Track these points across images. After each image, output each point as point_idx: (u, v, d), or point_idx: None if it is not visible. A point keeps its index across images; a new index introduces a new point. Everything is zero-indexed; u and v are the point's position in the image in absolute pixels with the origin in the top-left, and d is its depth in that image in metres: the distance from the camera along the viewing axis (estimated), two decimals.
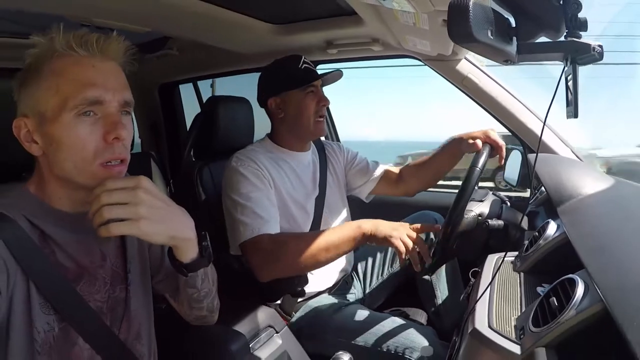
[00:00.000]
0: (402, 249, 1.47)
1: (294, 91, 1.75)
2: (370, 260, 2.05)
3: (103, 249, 1.04)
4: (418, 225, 1.53)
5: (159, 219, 0.88)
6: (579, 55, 0.84)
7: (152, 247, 1.18)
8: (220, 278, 1.21)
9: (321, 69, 2.40)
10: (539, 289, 1.11)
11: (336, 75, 1.85)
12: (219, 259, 1.54)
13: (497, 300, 1.08)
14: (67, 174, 0.91)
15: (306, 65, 1.77)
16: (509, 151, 1.96)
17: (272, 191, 1.66)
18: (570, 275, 0.88)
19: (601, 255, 0.89)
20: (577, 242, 0.99)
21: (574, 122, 0.91)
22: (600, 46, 0.82)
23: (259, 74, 1.89)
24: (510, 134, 1.99)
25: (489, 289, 1.12)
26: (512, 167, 2.02)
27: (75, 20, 1.61)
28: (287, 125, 1.80)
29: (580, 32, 0.83)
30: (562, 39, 0.85)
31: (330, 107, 2.10)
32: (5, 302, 0.84)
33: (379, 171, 2.01)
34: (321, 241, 1.50)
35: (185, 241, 0.97)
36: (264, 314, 1.55)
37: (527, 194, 2.11)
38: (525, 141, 1.95)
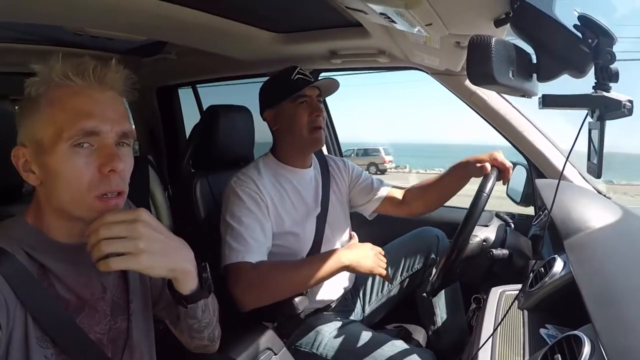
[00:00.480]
0: (382, 272, 1.63)
1: (286, 102, 1.72)
2: (370, 278, 2.02)
3: (103, 280, 1.02)
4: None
5: (159, 253, 0.87)
6: (608, 111, 0.79)
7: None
8: (219, 297, 1.19)
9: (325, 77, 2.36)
10: (543, 332, 1.09)
11: (332, 84, 1.81)
12: (214, 276, 1.52)
13: (500, 345, 1.06)
14: (64, 205, 0.89)
15: (300, 76, 1.73)
16: (513, 166, 1.94)
17: (267, 218, 1.64)
18: (576, 332, 0.85)
19: (608, 307, 0.86)
20: (583, 285, 0.96)
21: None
22: (631, 102, 0.78)
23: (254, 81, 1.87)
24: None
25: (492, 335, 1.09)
26: (516, 184, 1.99)
27: (71, 30, 1.56)
28: (284, 137, 1.78)
29: (611, 84, 0.79)
30: (591, 92, 0.80)
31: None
32: (5, 338, 0.82)
33: (383, 191, 1.98)
34: (302, 272, 1.53)
35: (184, 274, 0.95)
36: (262, 336, 1.51)
37: (530, 210, 2.07)
38: (531, 159, 1.93)
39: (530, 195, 1.95)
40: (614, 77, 0.77)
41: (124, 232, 0.83)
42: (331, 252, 1.57)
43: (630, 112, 0.77)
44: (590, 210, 1.37)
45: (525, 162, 1.97)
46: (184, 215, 1.98)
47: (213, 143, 1.95)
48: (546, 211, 1.70)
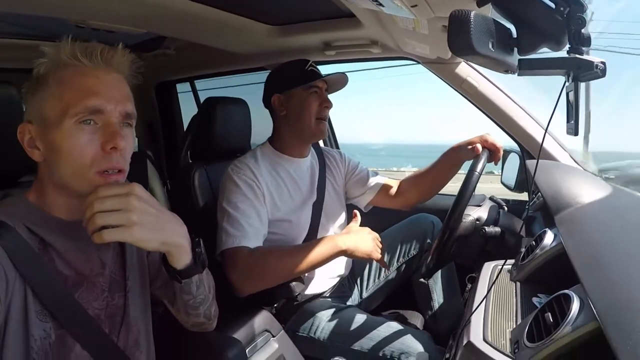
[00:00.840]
0: (378, 256, 1.64)
1: (298, 89, 1.76)
2: (367, 264, 2.05)
3: (102, 256, 1.04)
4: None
5: (151, 226, 0.89)
6: (581, 72, 0.82)
7: (151, 254, 1.19)
8: (219, 282, 1.21)
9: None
10: (535, 300, 1.11)
11: (341, 79, 1.85)
12: (213, 263, 1.54)
13: (493, 312, 1.08)
14: (65, 181, 0.92)
15: (312, 68, 1.78)
16: (506, 154, 1.97)
17: (263, 204, 1.66)
18: (565, 291, 0.88)
19: (597, 270, 0.89)
20: (573, 253, 0.99)
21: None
22: (603, 63, 0.81)
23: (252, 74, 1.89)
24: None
25: (484, 300, 1.12)
26: (510, 171, 2.02)
27: (71, 22, 1.59)
28: (289, 123, 1.80)
29: (583, 48, 0.82)
30: (565, 54, 0.84)
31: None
32: (3, 310, 0.84)
33: (378, 182, 2.01)
34: (299, 257, 1.53)
35: (177, 247, 0.97)
36: (260, 319, 1.55)
37: (524, 196, 2.10)
38: (524, 145, 1.95)
39: (523, 181, 1.96)
40: (586, 41, 0.81)
41: (117, 205, 0.85)
42: (328, 237, 1.58)
43: (603, 72, 0.80)
44: (580, 186, 1.40)
45: (519, 149, 1.99)
46: (183, 206, 2.01)
47: (211, 134, 1.97)
48: (539, 194, 1.73)
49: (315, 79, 1.75)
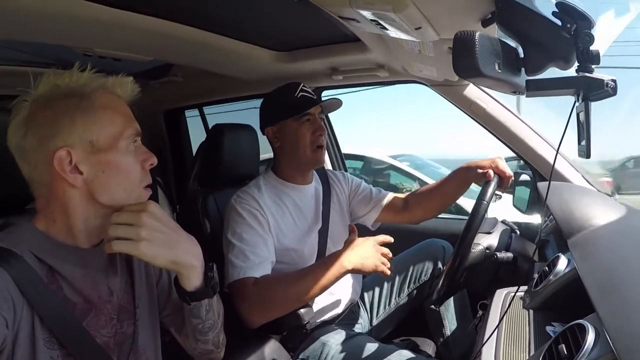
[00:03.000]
0: (386, 271, 1.50)
1: (289, 120, 1.73)
2: (377, 290, 2.01)
3: (110, 284, 1.04)
4: (382, 240, 1.54)
5: (160, 243, 0.92)
6: (591, 91, 0.80)
7: (161, 281, 1.19)
8: (227, 311, 1.21)
9: (327, 95, 2.39)
10: (549, 329, 1.08)
11: (334, 103, 1.82)
12: (222, 291, 1.52)
13: (505, 341, 1.06)
14: (116, 197, 0.97)
15: (303, 93, 1.75)
16: (517, 175, 1.93)
17: (268, 234, 1.64)
18: (580, 321, 0.85)
19: (612, 297, 0.86)
20: (587, 279, 0.96)
21: None
22: (614, 80, 0.79)
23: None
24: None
25: (496, 330, 1.08)
26: (521, 193, 1.99)
27: (79, 50, 1.61)
28: (285, 154, 1.78)
29: (593, 66, 0.80)
30: (574, 73, 0.82)
31: None
32: (11, 338, 0.84)
33: (383, 199, 1.97)
34: (306, 282, 1.49)
35: (188, 268, 0.99)
36: (268, 348, 1.52)
37: (536, 218, 2.06)
38: (535, 166, 1.93)
39: (535, 204, 1.94)
40: (595, 58, 0.79)
41: (129, 219, 0.91)
42: (333, 257, 1.52)
43: (614, 91, 0.78)
44: (593, 208, 1.37)
45: (530, 171, 1.96)
46: (192, 233, 2.00)
47: (219, 161, 1.97)
48: (551, 216, 1.70)
49: (306, 109, 1.72)
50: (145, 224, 0.90)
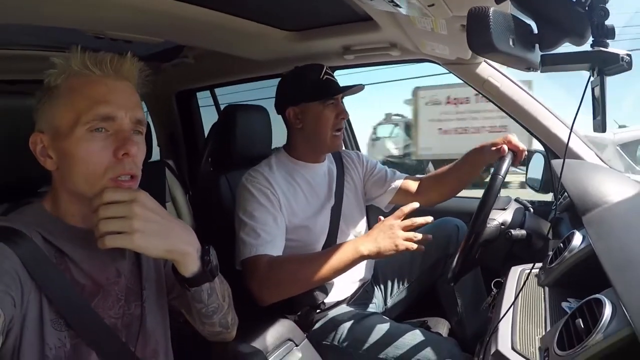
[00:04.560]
0: (412, 246, 1.42)
1: (314, 103, 1.72)
2: (390, 269, 2.02)
3: (118, 265, 1.05)
4: (402, 213, 1.46)
5: (154, 233, 0.90)
6: (606, 65, 0.80)
7: (167, 263, 1.18)
8: (240, 292, 1.21)
9: (339, 74, 2.38)
10: (564, 305, 1.08)
11: (357, 89, 1.82)
12: (236, 271, 1.53)
13: (521, 318, 1.06)
14: (79, 188, 0.94)
15: (327, 76, 1.74)
16: (531, 154, 1.93)
17: (279, 212, 1.65)
18: (597, 296, 0.85)
19: (629, 272, 0.86)
20: (603, 256, 0.95)
21: None
22: (629, 55, 0.78)
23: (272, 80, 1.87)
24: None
25: (512, 307, 1.09)
26: (535, 171, 1.98)
27: (90, 33, 1.61)
28: (305, 136, 1.78)
29: (608, 40, 0.79)
30: (588, 47, 0.81)
31: None
32: (19, 318, 0.85)
33: (398, 181, 1.97)
34: (319, 265, 1.48)
35: (183, 255, 0.97)
36: (283, 327, 1.53)
37: (550, 197, 2.05)
38: (548, 144, 1.90)
39: (549, 182, 1.92)
40: (610, 32, 0.78)
41: (120, 212, 0.87)
42: (349, 242, 1.52)
43: (629, 65, 0.78)
44: (607, 185, 1.36)
45: (543, 149, 1.95)
46: (206, 215, 2.01)
47: (231, 142, 1.97)
48: (565, 194, 1.69)
49: (334, 94, 1.72)
50: (137, 215, 0.87)
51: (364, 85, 1.82)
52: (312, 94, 1.72)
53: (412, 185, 1.96)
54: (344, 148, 2.47)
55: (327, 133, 1.74)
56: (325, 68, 1.76)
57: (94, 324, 0.96)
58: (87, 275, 0.97)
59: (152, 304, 1.10)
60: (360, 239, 1.50)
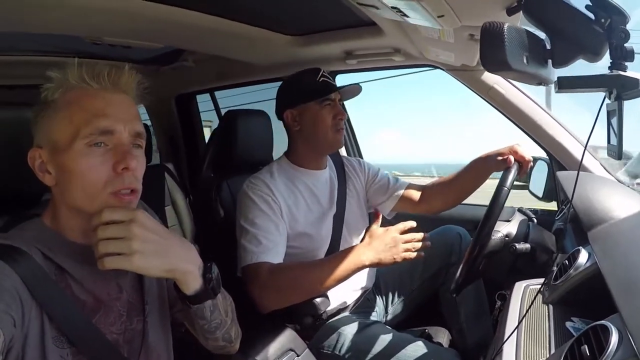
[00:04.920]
0: (411, 256, 1.48)
1: (311, 104, 1.73)
2: (392, 277, 2.01)
3: (119, 281, 1.03)
4: (402, 228, 1.52)
5: (153, 253, 0.89)
6: (625, 90, 0.77)
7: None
8: (241, 299, 1.20)
9: (340, 79, 2.37)
10: (569, 325, 1.07)
11: (355, 89, 1.82)
12: (237, 279, 1.52)
13: (525, 339, 1.05)
14: (79, 203, 0.92)
15: (324, 78, 1.75)
16: (534, 161, 1.91)
17: (280, 219, 1.64)
18: (603, 322, 0.83)
19: (635, 297, 0.85)
20: (610, 278, 0.94)
21: None
22: None
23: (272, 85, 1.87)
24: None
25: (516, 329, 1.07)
26: (538, 179, 1.97)
27: (89, 39, 1.60)
28: (304, 138, 1.78)
29: (627, 63, 0.77)
30: (605, 67, 0.79)
31: None
32: (20, 337, 0.83)
33: (400, 188, 1.96)
34: (321, 272, 1.49)
35: (184, 274, 0.96)
36: (284, 337, 1.52)
37: (553, 205, 2.04)
38: (552, 153, 1.90)
39: (552, 190, 1.92)
40: (630, 55, 0.76)
41: (118, 232, 0.86)
42: (350, 251, 1.52)
43: None
44: (613, 200, 1.35)
45: (547, 157, 1.94)
46: (206, 220, 2.00)
47: (232, 147, 1.97)
48: (569, 204, 1.68)
49: (329, 93, 1.73)
50: (135, 236, 0.86)
51: (360, 86, 1.82)
52: (308, 95, 1.73)
53: (415, 193, 1.95)
54: (344, 151, 2.47)
55: (327, 133, 1.74)
56: (322, 71, 1.76)
57: (96, 341, 0.95)
58: (88, 291, 0.96)
59: (154, 318, 1.09)
60: (362, 248, 1.51)
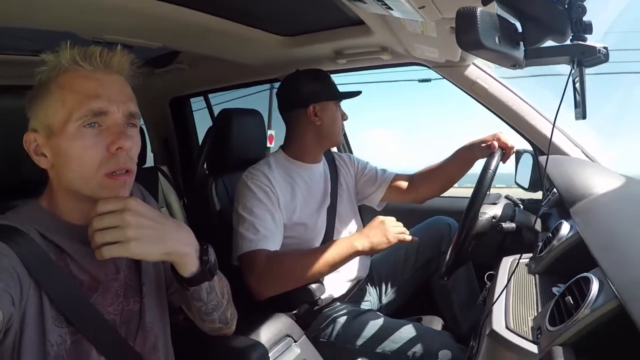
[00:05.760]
0: (404, 237, 1.59)
1: (331, 102, 1.83)
2: (385, 268, 2.06)
3: (116, 261, 1.05)
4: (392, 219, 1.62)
5: (150, 238, 0.90)
6: (585, 57, 0.85)
7: None
8: (238, 288, 1.22)
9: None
10: (555, 289, 1.11)
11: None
12: (234, 270, 1.55)
13: (514, 302, 1.09)
14: (74, 185, 0.93)
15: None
16: (519, 154, 1.97)
17: (278, 209, 1.69)
18: (584, 274, 0.89)
19: (614, 253, 0.90)
20: (590, 240, 0.99)
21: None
22: (606, 48, 0.84)
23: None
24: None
25: (504, 291, 1.13)
26: (524, 171, 2.02)
27: (87, 37, 1.63)
28: (319, 133, 1.84)
29: (586, 35, 0.85)
30: (568, 42, 0.87)
31: None
32: (19, 316, 0.84)
33: (388, 179, 2.03)
34: (316, 259, 1.54)
35: (181, 256, 0.97)
36: (281, 324, 1.55)
37: (539, 196, 2.10)
38: (536, 144, 1.96)
39: (538, 181, 1.96)
40: (588, 28, 0.83)
41: (113, 222, 0.87)
42: (343, 239, 1.59)
43: (606, 57, 0.84)
44: (593, 178, 1.41)
45: (531, 149, 2.00)
46: (202, 218, 2.04)
47: (226, 146, 2.00)
48: (554, 190, 1.74)
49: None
50: (130, 223, 0.87)
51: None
52: (334, 93, 1.84)
53: (403, 182, 2.02)
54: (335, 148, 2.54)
55: (339, 131, 1.86)
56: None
57: (94, 320, 0.96)
58: (85, 271, 0.97)
59: (151, 299, 1.10)
60: (355, 235, 1.59)
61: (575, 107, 0.92)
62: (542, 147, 1.94)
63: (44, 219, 0.96)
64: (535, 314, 1.02)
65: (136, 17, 1.52)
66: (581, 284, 0.88)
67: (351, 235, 1.62)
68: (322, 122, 1.82)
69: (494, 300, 1.09)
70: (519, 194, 2.07)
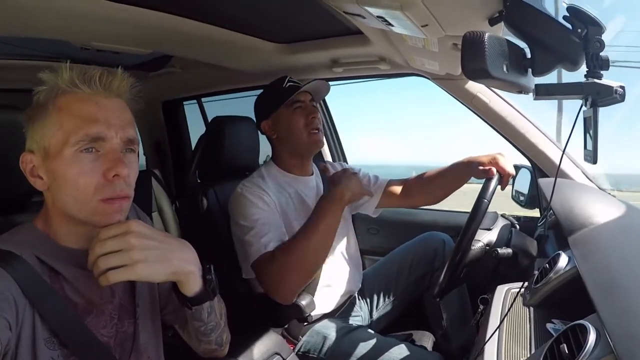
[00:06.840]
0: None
1: (281, 110, 1.78)
2: (377, 282, 2.03)
3: (112, 285, 1.02)
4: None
5: (154, 260, 0.89)
6: (600, 97, 0.81)
7: None
8: (226, 302, 1.20)
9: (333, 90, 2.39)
10: (549, 326, 1.08)
11: (322, 85, 1.87)
12: (224, 283, 1.52)
13: (506, 340, 1.07)
14: (69, 209, 0.92)
15: (291, 83, 1.79)
16: (517, 169, 1.94)
17: (277, 213, 1.68)
18: (581, 322, 0.86)
19: (613, 297, 0.86)
20: (587, 278, 0.96)
21: None
22: (622, 87, 0.79)
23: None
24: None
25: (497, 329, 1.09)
26: (521, 186, 2.00)
27: (78, 44, 1.60)
28: (283, 144, 1.82)
29: (602, 72, 0.80)
30: (583, 79, 0.82)
31: None
32: (14, 338, 0.83)
33: (382, 185, 2.02)
34: (312, 231, 1.54)
35: (186, 275, 0.96)
36: (270, 341, 1.52)
37: (536, 212, 2.07)
38: (535, 161, 1.93)
39: (535, 198, 1.94)
40: (605, 64, 0.79)
41: (117, 246, 0.86)
42: (326, 201, 1.59)
43: (622, 97, 0.79)
44: (594, 206, 1.37)
45: (530, 165, 1.97)
46: (192, 226, 2.00)
47: (219, 154, 1.98)
48: (551, 211, 1.71)
49: (291, 94, 1.76)
50: (134, 246, 0.86)
51: (327, 82, 1.89)
52: (276, 101, 1.78)
53: (397, 188, 2.01)
54: (330, 158, 2.49)
55: (301, 134, 1.77)
56: (288, 77, 1.81)
57: (88, 343, 0.94)
58: (80, 293, 0.96)
59: (145, 320, 1.10)
60: (335, 190, 1.60)
61: (585, 147, 0.87)
62: (541, 165, 1.92)
63: (39, 242, 0.94)
64: (528, 355, 1.00)
65: (126, 25, 1.50)
66: (577, 331, 0.85)
67: (330, 193, 1.61)
68: (278, 133, 1.81)
69: (487, 339, 1.06)
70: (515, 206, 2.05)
